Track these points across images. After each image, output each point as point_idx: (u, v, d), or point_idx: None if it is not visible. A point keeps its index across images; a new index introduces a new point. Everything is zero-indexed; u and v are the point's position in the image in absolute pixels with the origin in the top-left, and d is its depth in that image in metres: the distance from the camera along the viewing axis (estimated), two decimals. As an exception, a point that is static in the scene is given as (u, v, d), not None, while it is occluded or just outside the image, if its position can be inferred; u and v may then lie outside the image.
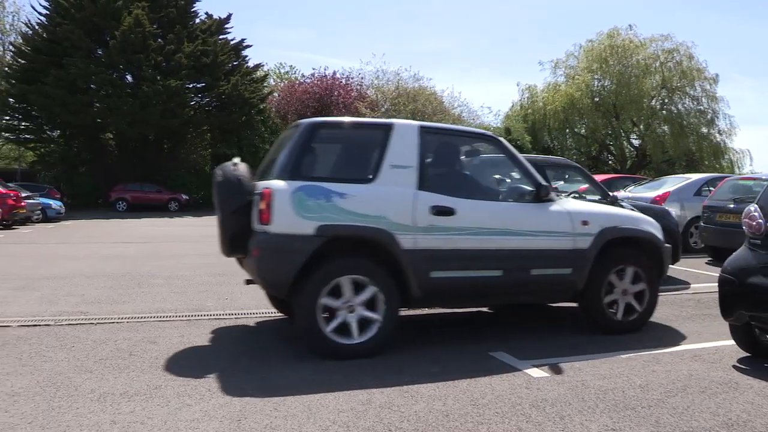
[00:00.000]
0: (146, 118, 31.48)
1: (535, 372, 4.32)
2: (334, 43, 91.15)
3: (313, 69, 49.88)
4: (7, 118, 34.90)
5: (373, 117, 35.91)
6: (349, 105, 37.41)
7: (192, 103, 35.44)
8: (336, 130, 5.43)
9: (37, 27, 34.68)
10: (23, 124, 35.03)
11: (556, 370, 4.37)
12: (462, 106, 39.16)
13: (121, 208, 30.93)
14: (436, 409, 3.59)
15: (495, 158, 5.75)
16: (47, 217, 23.15)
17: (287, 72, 51.29)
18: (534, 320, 6.17)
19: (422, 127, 5.11)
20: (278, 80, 47.85)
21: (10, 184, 21.76)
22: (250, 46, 37.65)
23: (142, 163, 33.90)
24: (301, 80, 42.89)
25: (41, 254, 11.75)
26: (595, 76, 39.31)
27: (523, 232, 5.08)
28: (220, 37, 36.45)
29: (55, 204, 24.42)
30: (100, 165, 34.88)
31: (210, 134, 37.79)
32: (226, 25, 37.24)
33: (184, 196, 32.37)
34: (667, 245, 5.85)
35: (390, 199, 4.72)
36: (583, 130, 41.75)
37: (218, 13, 38.21)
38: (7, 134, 36.30)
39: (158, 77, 32.01)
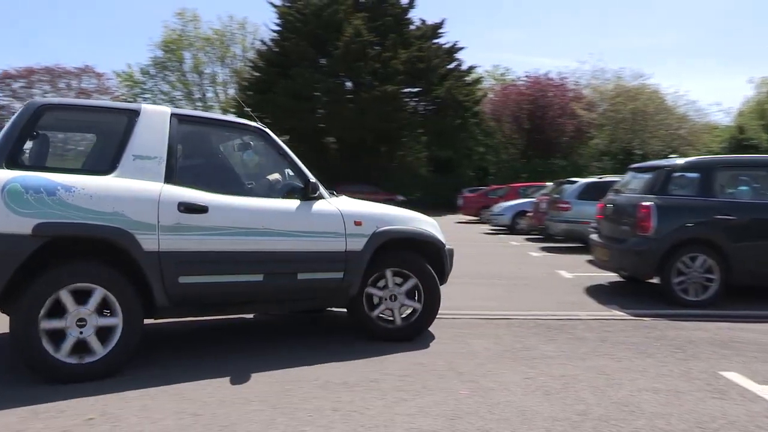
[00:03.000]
0: (365, 122, 33.13)
1: (777, 398, 3.87)
2: (547, 43, 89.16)
3: (527, 71, 49.30)
4: (244, 125, 39.09)
5: (590, 118, 34.70)
6: (564, 106, 36.46)
7: (408, 107, 36.62)
8: (69, 114, 4.71)
9: (269, 43, 38.07)
10: (257, 131, 38.75)
11: (803, 397, 3.89)
12: (688, 104, 36.41)
13: (340, 208, 32.62)
14: (659, 427, 3.36)
15: (260, 151, 5.22)
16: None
17: (502, 74, 51.24)
18: (773, 339, 5.54)
19: (175, 114, 4.61)
20: (494, 83, 47.97)
21: (245, 185, 24.13)
22: (463, 48, 38.03)
23: (360, 165, 35.66)
24: (515, 82, 42.63)
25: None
26: None
27: (287, 233, 4.64)
28: (434, 41, 37.22)
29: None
30: (322, 167, 37.26)
31: (425, 137, 38.77)
32: (440, 30, 37.94)
33: (400, 197, 33.48)
34: (449, 247, 5.44)
35: (129, 194, 4.13)
36: (835, 127, 36.87)
37: (431, 18, 39.01)
38: (246, 140, 40.94)
39: (376, 83, 33.50)
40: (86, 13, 77.69)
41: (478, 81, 40.84)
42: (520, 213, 18.27)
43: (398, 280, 5.19)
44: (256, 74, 37.76)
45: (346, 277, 4.87)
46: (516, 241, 15.91)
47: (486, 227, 21.27)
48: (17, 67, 42.49)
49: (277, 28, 37.29)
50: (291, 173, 5.01)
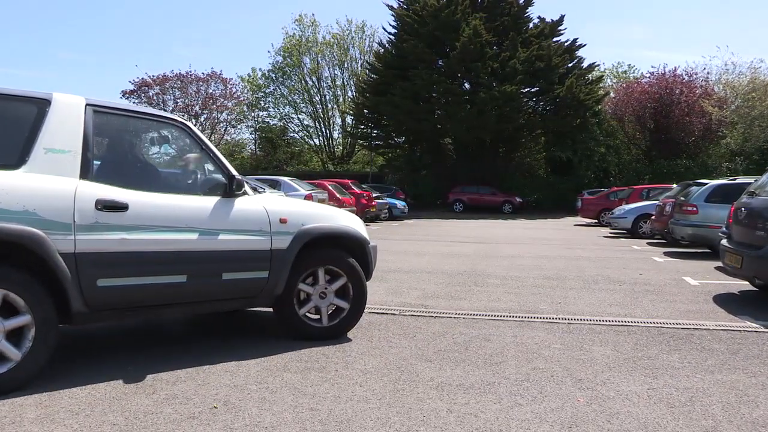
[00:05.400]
0: (483, 123, 32.92)
1: None
2: (674, 37, 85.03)
3: (653, 67, 47.29)
4: (362, 127, 40.48)
5: (720, 116, 32.81)
6: (692, 104, 34.66)
7: (526, 107, 36.06)
8: None
9: (387, 45, 38.63)
10: (374, 132, 39.64)
11: None
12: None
13: (458, 209, 32.94)
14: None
15: (182, 146, 4.90)
16: (393, 215, 25.82)
17: (625, 71, 49.50)
18: None
19: (90, 105, 4.23)
20: (616, 80, 46.37)
21: (363, 186, 24.76)
22: (584, 45, 36.94)
23: (478, 166, 35.46)
24: (639, 80, 41.00)
25: (389, 249, 12.93)
26: None
27: (212, 231, 4.50)
28: (553, 40, 36.42)
29: (400, 204, 27.15)
30: (440, 168, 37.49)
31: (544, 137, 38.01)
32: (559, 27, 37.08)
33: (518, 199, 33.07)
34: (373, 244, 5.50)
35: (41, 191, 3.80)
36: None
37: (550, 16, 38.22)
38: (362, 141, 42.53)
39: (494, 84, 33.22)
40: (215, 22, 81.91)
41: (599, 79, 39.60)
42: (643, 216, 17.81)
43: (327, 277, 5.19)
44: (374, 76, 38.40)
45: (271, 276, 4.80)
46: (638, 245, 15.33)
47: (606, 230, 20.67)
48: (153, 75, 45.60)
49: (395, 30, 37.74)
50: (212, 168, 4.84)
